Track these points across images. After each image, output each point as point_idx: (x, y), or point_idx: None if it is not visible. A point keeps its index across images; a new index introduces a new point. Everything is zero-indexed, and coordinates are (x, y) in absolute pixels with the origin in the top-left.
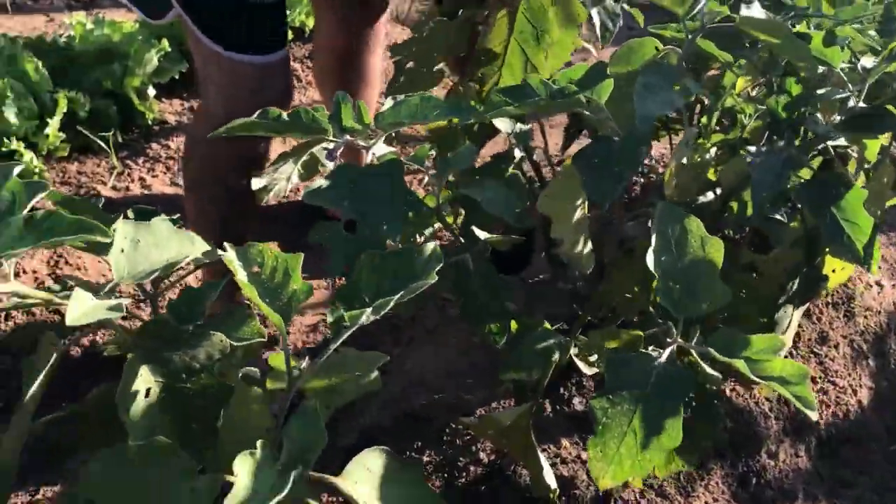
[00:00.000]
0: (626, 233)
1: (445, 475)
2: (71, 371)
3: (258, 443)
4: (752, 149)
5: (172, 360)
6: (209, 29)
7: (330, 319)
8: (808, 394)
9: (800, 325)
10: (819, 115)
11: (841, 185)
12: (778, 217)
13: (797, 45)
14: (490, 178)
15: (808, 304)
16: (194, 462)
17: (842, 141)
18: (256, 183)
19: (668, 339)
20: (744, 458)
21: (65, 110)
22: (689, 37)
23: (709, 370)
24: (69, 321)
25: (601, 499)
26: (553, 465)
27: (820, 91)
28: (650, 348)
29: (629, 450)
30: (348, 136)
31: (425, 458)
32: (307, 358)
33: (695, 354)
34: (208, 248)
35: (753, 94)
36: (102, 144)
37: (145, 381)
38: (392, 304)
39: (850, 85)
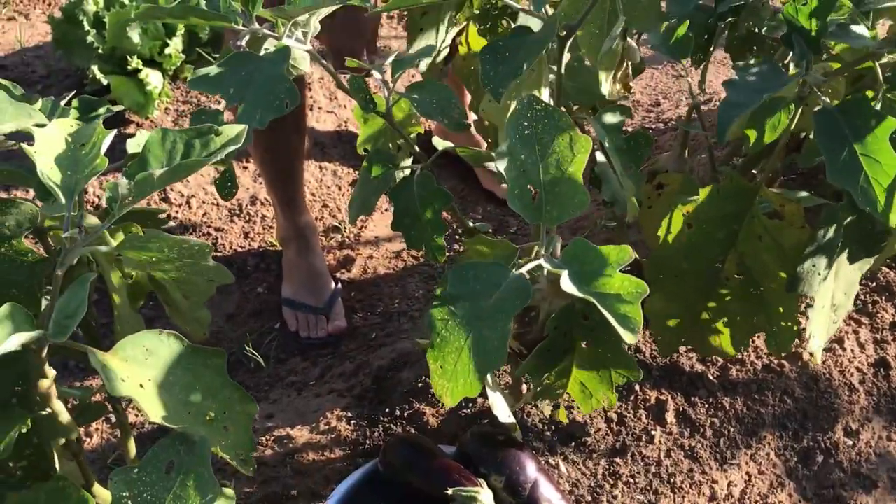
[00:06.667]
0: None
1: None
2: None
3: (7, 305)
4: (742, 63)
5: None
6: None
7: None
8: (635, 313)
9: None
10: (862, 27)
11: (866, 114)
12: None
13: None
14: (435, 82)
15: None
16: None
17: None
18: None
19: (536, 252)
20: (811, 431)
21: (182, 32)
22: None
23: (569, 287)
24: None
25: (617, 451)
26: None
27: None
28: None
29: (463, 367)
30: (256, 26)
31: None
32: None
33: (547, 267)
34: (42, 121)
35: None
36: None
37: None
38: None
39: None
